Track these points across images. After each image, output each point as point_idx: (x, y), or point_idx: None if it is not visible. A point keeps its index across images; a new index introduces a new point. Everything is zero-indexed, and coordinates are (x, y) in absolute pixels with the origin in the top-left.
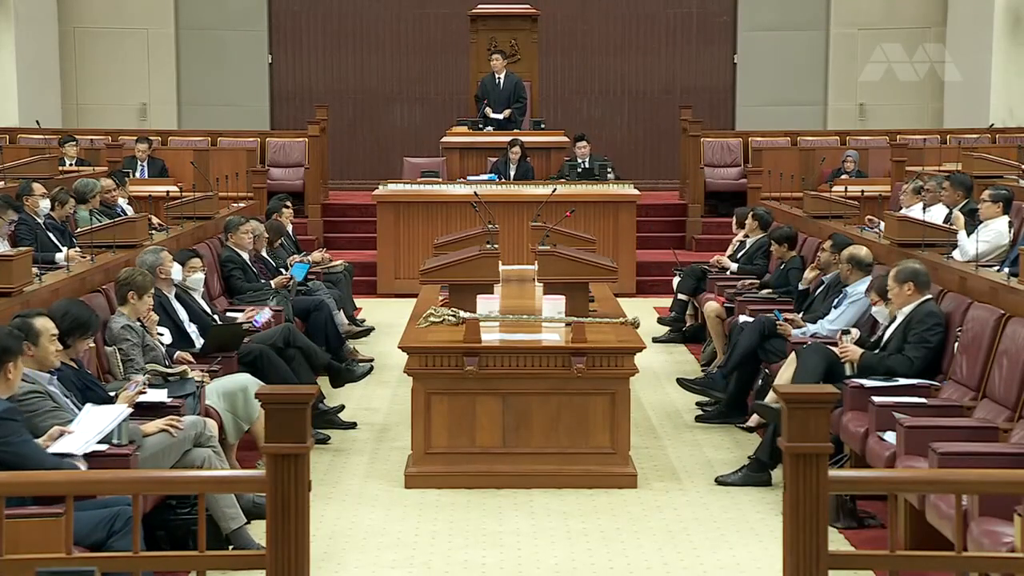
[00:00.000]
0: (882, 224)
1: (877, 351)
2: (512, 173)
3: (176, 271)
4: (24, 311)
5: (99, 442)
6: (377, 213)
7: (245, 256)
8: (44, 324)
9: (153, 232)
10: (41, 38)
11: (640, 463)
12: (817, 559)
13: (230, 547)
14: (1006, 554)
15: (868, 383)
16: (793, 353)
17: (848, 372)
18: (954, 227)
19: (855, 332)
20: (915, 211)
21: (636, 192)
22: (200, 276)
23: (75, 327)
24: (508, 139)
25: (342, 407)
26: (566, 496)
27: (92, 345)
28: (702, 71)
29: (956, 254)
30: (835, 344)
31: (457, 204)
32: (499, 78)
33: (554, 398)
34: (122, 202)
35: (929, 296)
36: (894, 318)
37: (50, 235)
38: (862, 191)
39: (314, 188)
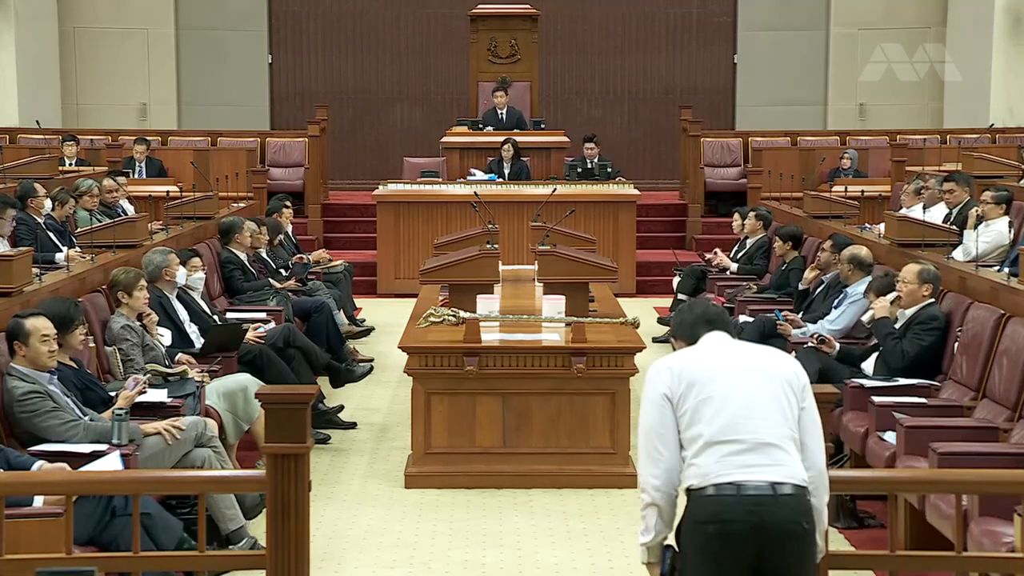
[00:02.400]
0: (881, 226)
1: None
2: (506, 172)
3: (181, 274)
4: (18, 312)
5: (100, 442)
6: (377, 213)
7: (243, 256)
8: (34, 324)
9: (153, 233)
10: (41, 38)
11: None
12: None
13: (230, 547)
14: (1006, 554)
15: (868, 383)
16: (793, 352)
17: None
18: (954, 227)
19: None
20: (915, 211)
21: (636, 192)
22: (201, 275)
23: (59, 323)
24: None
25: (341, 407)
26: (566, 496)
27: (92, 345)
28: (702, 71)
29: (959, 252)
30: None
31: (457, 204)
32: (501, 113)
33: (554, 398)
34: (123, 202)
35: (934, 299)
36: (896, 319)
37: (50, 235)
38: (862, 191)
39: (314, 188)
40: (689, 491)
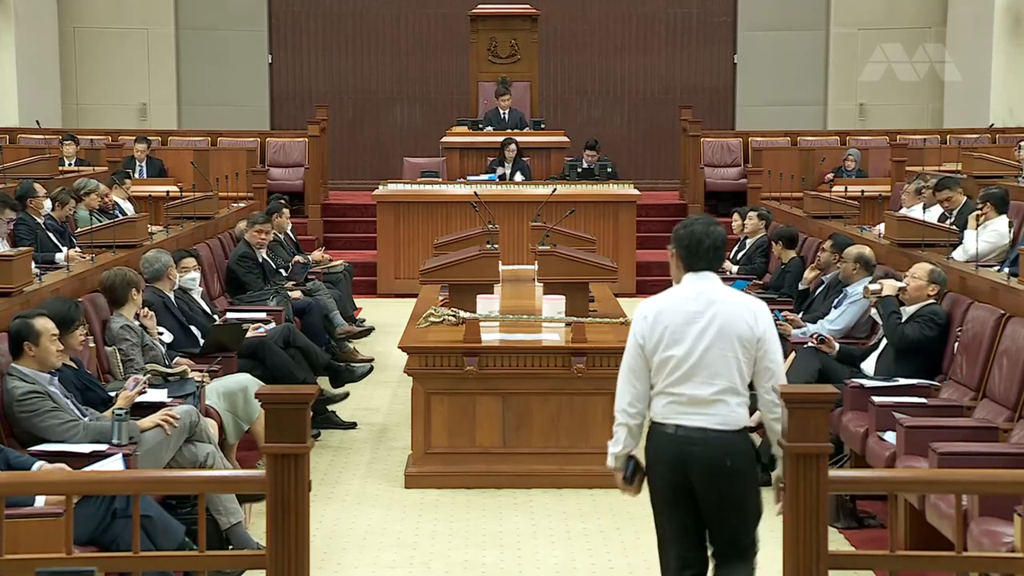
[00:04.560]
0: (881, 227)
1: (879, 348)
2: (508, 173)
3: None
4: (20, 312)
5: (100, 442)
6: (377, 213)
7: (258, 253)
8: (44, 324)
9: (153, 233)
10: (41, 38)
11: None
12: (817, 559)
13: (229, 547)
14: (1006, 554)
15: (868, 383)
16: (793, 352)
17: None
18: (954, 227)
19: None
20: (915, 211)
21: (636, 192)
22: (195, 275)
23: (61, 323)
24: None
25: (347, 394)
26: (566, 496)
27: (92, 345)
28: (702, 71)
29: (959, 251)
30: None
31: (457, 204)
32: (504, 114)
33: (554, 398)
34: (123, 202)
35: (935, 301)
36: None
37: (50, 235)
38: (862, 191)
39: (314, 188)
40: (652, 423)
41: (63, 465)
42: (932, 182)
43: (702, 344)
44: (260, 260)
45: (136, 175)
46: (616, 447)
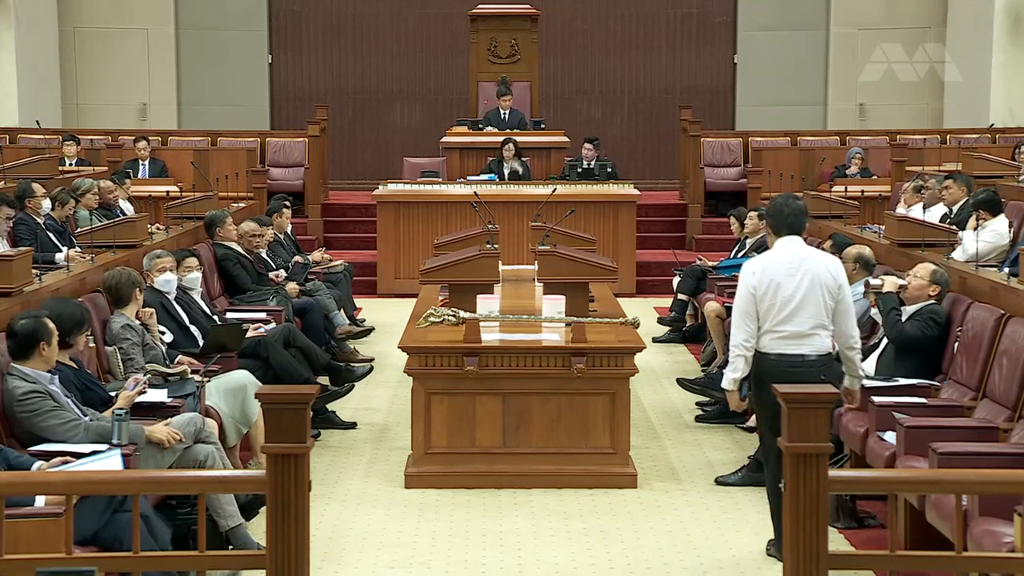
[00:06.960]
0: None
1: (879, 348)
2: (506, 173)
3: (165, 280)
4: (22, 312)
5: (100, 442)
6: (377, 213)
7: (238, 248)
8: (53, 325)
9: (153, 233)
10: (41, 38)
11: (640, 463)
12: (817, 559)
13: (229, 547)
14: (1006, 554)
15: (868, 383)
16: None
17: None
18: (954, 227)
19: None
20: (915, 211)
21: (636, 192)
22: (196, 275)
23: (73, 325)
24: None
25: (352, 386)
26: (566, 496)
27: (92, 345)
28: (702, 71)
29: (959, 251)
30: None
31: (457, 204)
32: (504, 114)
33: (554, 398)
34: (123, 203)
35: (935, 301)
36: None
37: (50, 235)
38: (862, 191)
39: (314, 188)
40: (758, 352)
41: (65, 458)
42: (932, 181)
43: (800, 292)
44: (239, 257)
45: (139, 175)
46: (735, 373)
